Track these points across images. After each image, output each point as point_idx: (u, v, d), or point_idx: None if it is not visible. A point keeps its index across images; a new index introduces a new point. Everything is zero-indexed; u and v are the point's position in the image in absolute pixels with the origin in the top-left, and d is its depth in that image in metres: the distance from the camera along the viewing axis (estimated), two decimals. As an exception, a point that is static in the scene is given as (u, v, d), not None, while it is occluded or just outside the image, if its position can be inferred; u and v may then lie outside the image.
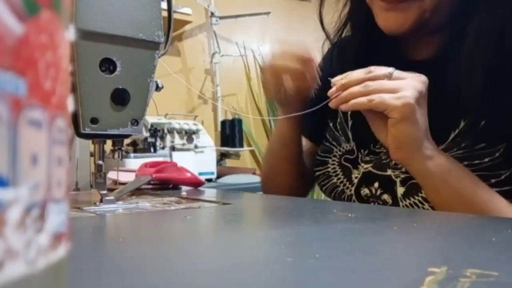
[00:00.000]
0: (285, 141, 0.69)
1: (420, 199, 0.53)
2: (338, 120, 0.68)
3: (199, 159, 1.39)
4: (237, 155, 1.82)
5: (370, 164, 0.60)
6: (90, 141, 0.65)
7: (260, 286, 0.19)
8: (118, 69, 0.45)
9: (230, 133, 1.78)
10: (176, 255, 0.26)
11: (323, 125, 0.71)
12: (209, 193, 0.64)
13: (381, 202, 0.58)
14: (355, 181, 0.61)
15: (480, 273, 0.20)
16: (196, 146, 1.40)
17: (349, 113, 0.66)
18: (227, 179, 1.47)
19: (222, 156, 1.82)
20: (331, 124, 0.69)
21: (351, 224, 0.35)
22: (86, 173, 0.73)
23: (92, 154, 0.71)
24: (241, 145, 1.80)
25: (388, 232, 0.33)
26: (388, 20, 0.55)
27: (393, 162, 0.57)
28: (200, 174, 0.76)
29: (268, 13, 2.11)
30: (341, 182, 0.63)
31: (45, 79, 0.11)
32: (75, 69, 0.43)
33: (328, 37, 0.74)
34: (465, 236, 0.32)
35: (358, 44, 0.66)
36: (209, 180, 1.40)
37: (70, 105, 0.13)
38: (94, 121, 0.45)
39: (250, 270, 0.22)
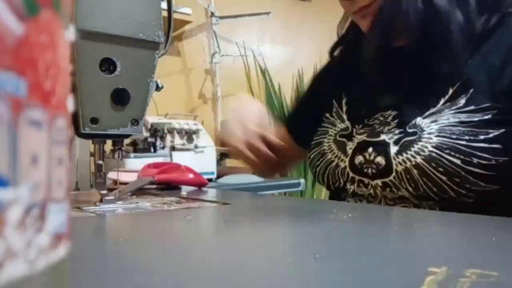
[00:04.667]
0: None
1: (412, 153, 0.55)
2: (334, 109, 0.71)
3: (199, 159, 1.39)
4: (237, 155, 1.82)
5: (364, 135, 0.62)
6: (90, 141, 0.65)
7: (260, 286, 0.19)
8: (118, 69, 0.45)
9: (230, 133, 1.78)
10: (176, 255, 0.26)
11: (311, 129, 0.73)
12: (209, 193, 0.64)
13: (374, 166, 0.59)
14: (350, 151, 0.63)
15: (480, 273, 0.20)
16: (196, 146, 1.40)
17: (344, 100, 0.70)
18: (227, 179, 1.47)
19: (222, 156, 1.81)
20: (327, 114, 0.71)
21: (351, 224, 0.35)
22: (86, 173, 0.73)
23: (92, 154, 0.71)
24: (241, 145, 1.79)
25: (388, 232, 0.33)
26: (365, 24, 0.62)
27: (386, 128, 0.60)
28: (200, 174, 0.76)
29: (268, 13, 2.11)
30: (336, 156, 0.64)
31: (45, 79, 0.11)
32: (75, 69, 0.43)
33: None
34: (465, 236, 0.32)
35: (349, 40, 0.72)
36: (209, 180, 1.39)
37: (70, 105, 0.13)
38: (94, 121, 0.45)
39: (250, 270, 0.22)
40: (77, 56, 0.43)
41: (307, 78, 2.49)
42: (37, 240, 0.10)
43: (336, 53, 0.79)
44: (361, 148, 0.61)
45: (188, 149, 1.39)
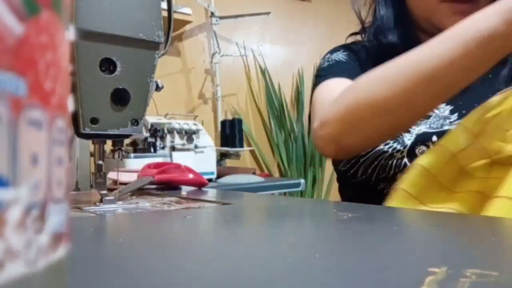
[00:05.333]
0: (495, 43, 0.48)
1: None
2: None
3: (199, 159, 1.39)
4: (237, 155, 1.82)
5: (424, 126, 0.63)
6: (90, 141, 0.65)
7: (260, 286, 0.19)
8: (118, 69, 0.45)
9: (230, 133, 1.78)
10: (176, 255, 0.26)
11: None
12: (209, 193, 0.64)
13: None
14: (408, 142, 0.62)
15: (480, 273, 0.20)
16: (196, 146, 1.40)
17: None
18: (227, 179, 1.47)
19: (222, 156, 1.82)
20: None
21: (351, 224, 0.35)
22: (86, 173, 0.73)
23: (92, 154, 0.71)
24: (241, 145, 1.80)
25: (388, 232, 0.33)
26: (456, 22, 0.53)
27: (448, 121, 0.60)
28: (200, 174, 0.76)
29: (268, 13, 2.11)
30: (390, 147, 0.64)
31: (45, 79, 0.11)
32: (75, 69, 0.43)
33: (362, 22, 0.76)
34: (465, 236, 0.32)
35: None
36: (209, 180, 1.40)
37: (70, 105, 0.13)
38: (94, 121, 0.45)
39: (250, 270, 0.22)
40: (77, 56, 0.43)
41: (307, 78, 2.50)
42: (37, 240, 0.11)
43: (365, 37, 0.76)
44: (422, 138, 0.61)
45: (188, 149, 1.39)
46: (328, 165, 2.29)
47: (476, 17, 0.50)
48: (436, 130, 0.62)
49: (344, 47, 0.77)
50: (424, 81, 0.51)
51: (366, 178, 0.65)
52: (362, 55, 0.74)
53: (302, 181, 1.63)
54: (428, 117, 0.63)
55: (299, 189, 1.62)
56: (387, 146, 0.64)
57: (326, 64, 0.74)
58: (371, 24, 0.76)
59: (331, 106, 0.60)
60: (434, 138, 0.61)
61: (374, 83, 0.55)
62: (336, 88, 0.62)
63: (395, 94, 0.53)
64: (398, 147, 0.63)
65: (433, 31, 0.61)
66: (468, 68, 0.49)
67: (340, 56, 0.74)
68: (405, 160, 0.62)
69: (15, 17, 0.10)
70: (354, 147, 0.61)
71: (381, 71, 0.55)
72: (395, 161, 0.62)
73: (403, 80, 0.52)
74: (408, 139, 0.63)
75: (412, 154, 0.62)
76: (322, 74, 0.71)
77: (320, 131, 0.61)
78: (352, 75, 0.64)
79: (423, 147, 0.61)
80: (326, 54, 0.78)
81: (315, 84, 0.71)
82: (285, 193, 1.66)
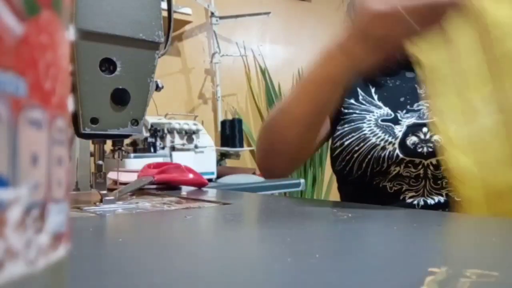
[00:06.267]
0: (330, 81, 0.55)
1: None
2: (360, 97, 0.71)
3: (199, 159, 1.40)
4: (237, 155, 1.82)
5: (413, 118, 0.64)
6: (90, 141, 0.65)
7: (260, 286, 0.19)
8: (118, 69, 0.45)
9: (230, 133, 1.78)
10: (176, 255, 0.26)
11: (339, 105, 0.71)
12: (209, 193, 0.64)
13: (430, 145, 0.60)
14: (399, 134, 0.64)
15: (480, 273, 0.20)
16: (196, 146, 1.40)
17: (372, 89, 0.71)
18: (227, 179, 1.47)
19: (222, 156, 1.82)
20: (352, 100, 0.71)
21: (351, 224, 0.35)
22: (86, 173, 0.73)
23: (92, 154, 0.71)
24: (241, 145, 1.80)
25: (388, 232, 0.33)
26: None
27: None
28: (200, 174, 0.76)
29: (268, 13, 2.11)
30: (382, 139, 0.65)
31: (45, 79, 0.11)
32: (75, 69, 0.43)
33: None
34: (465, 236, 0.32)
35: None
36: (209, 180, 1.40)
37: (70, 105, 0.13)
38: (94, 121, 0.45)
39: (250, 270, 0.22)
40: (77, 56, 0.43)
41: (307, 78, 2.49)
42: (37, 240, 0.11)
43: None
44: (413, 129, 0.63)
45: (188, 149, 1.39)
46: (328, 165, 2.29)
47: (313, 63, 0.57)
48: (426, 121, 0.63)
49: None
50: (284, 114, 0.61)
51: (362, 173, 0.66)
52: None
53: (302, 181, 1.63)
54: (417, 110, 0.64)
55: (299, 189, 1.62)
56: (379, 139, 0.65)
57: None
58: None
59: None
60: (425, 129, 0.62)
61: (273, 112, 0.65)
62: None
63: (281, 120, 0.63)
64: (390, 139, 0.64)
65: None
66: (310, 108, 0.58)
67: None
68: (397, 151, 0.63)
69: (15, 17, 0.10)
70: (277, 168, 0.68)
71: (277, 105, 0.65)
72: (387, 153, 0.63)
73: (275, 114, 0.63)
74: (399, 130, 0.64)
75: (403, 145, 0.63)
76: None
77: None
78: None
79: (414, 138, 0.62)
80: None
81: None
82: (285, 193, 1.66)
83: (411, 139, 0.62)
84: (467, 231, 0.34)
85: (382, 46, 0.50)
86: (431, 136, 0.61)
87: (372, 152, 0.64)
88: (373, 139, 0.65)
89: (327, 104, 0.58)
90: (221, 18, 2.07)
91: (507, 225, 0.36)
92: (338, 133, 0.69)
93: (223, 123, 1.83)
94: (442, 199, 0.60)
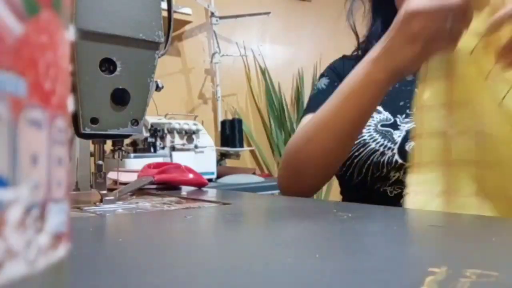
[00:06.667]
0: (376, 93, 0.56)
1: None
2: None
3: (199, 159, 1.40)
4: (237, 155, 1.82)
5: (412, 123, 0.63)
6: (90, 141, 0.65)
7: (260, 286, 0.19)
8: (118, 69, 0.45)
9: (230, 133, 1.78)
10: (176, 255, 0.26)
11: None
12: (209, 193, 0.64)
13: None
14: (398, 139, 0.64)
15: (480, 273, 0.20)
16: (196, 146, 1.40)
17: None
18: (227, 179, 1.47)
19: (222, 156, 1.82)
20: None
21: (351, 224, 0.35)
22: (86, 173, 0.73)
23: (92, 154, 0.71)
24: (241, 145, 1.80)
25: (388, 232, 0.33)
26: None
27: None
28: (200, 174, 0.75)
29: (268, 13, 2.11)
30: (381, 145, 0.65)
31: (45, 79, 0.11)
32: (75, 69, 0.43)
33: (357, 37, 0.78)
34: (465, 236, 0.32)
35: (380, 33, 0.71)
36: (209, 180, 1.40)
37: (70, 105, 0.13)
38: (94, 121, 0.45)
39: (250, 270, 0.22)
40: (77, 56, 0.43)
41: (307, 78, 2.50)
42: (37, 240, 0.11)
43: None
44: (412, 134, 0.62)
45: (188, 149, 1.39)
46: (328, 165, 2.28)
47: (354, 70, 0.57)
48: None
49: (331, 69, 0.80)
50: (324, 132, 0.60)
51: (362, 178, 0.66)
52: (348, 70, 0.77)
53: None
54: None
55: (299, 189, 1.61)
56: (378, 145, 0.65)
57: (313, 92, 0.79)
58: (364, 38, 0.78)
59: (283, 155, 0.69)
60: None
61: (300, 134, 0.65)
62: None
63: (312, 138, 0.62)
64: (389, 144, 0.64)
65: None
66: (352, 115, 0.57)
67: (323, 83, 0.78)
68: (396, 157, 0.63)
69: (15, 17, 0.10)
70: (301, 191, 0.66)
71: (307, 125, 0.64)
72: (386, 158, 0.63)
73: (315, 132, 0.62)
74: (398, 135, 0.64)
75: (402, 150, 0.63)
76: (307, 106, 0.77)
77: (279, 174, 0.71)
78: None
79: (413, 143, 0.61)
80: (322, 73, 0.82)
81: (303, 113, 0.76)
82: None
83: (410, 145, 0.62)
84: (467, 231, 0.34)
85: (428, 46, 0.50)
86: None
87: (371, 158, 0.64)
88: (373, 145, 0.66)
89: (369, 112, 0.58)
90: (221, 18, 2.07)
91: (507, 225, 0.36)
92: None
93: (223, 123, 1.83)
94: None
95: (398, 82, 0.59)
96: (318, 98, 0.75)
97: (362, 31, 0.80)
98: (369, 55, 0.56)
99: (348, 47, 0.83)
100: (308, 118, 0.71)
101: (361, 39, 0.78)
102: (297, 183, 0.66)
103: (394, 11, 0.72)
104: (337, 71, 0.79)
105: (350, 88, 0.57)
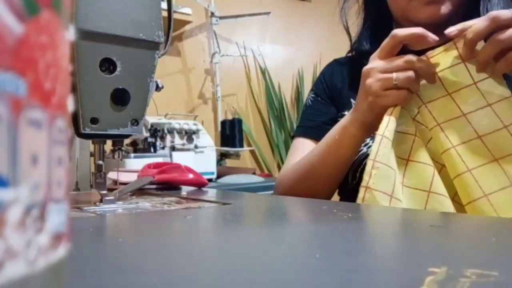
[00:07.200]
0: (350, 143, 0.65)
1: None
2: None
3: (199, 159, 1.39)
4: (237, 155, 1.82)
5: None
6: (90, 141, 0.65)
7: (260, 286, 0.19)
8: (118, 69, 0.45)
9: (230, 133, 1.78)
10: (176, 255, 0.26)
11: (326, 124, 0.76)
12: (209, 193, 0.64)
13: None
14: None
15: (480, 273, 0.20)
16: (196, 146, 1.40)
17: None
18: (227, 179, 1.47)
19: (222, 156, 1.82)
20: (345, 112, 0.73)
21: (351, 224, 0.35)
22: (86, 173, 0.73)
23: (92, 154, 0.71)
24: (241, 145, 1.80)
25: (388, 232, 0.33)
26: (430, 12, 0.65)
27: None
28: (200, 174, 0.75)
29: (268, 13, 2.11)
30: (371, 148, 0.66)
31: (45, 79, 0.11)
32: (75, 69, 0.43)
33: (350, 38, 0.78)
34: (465, 236, 0.32)
35: (370, 35, 0.75)
36: (209, 180, 1.40)
37: (70, 105, 0.13)
38: (94, 121, 0.45)
39: (250, 270, 0.22)
40: (77, 56, 0.43)
41: (307, 78, 2.49)
42: (37, 240, 0.11)
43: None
44: None
45: (188, 149, 1.39)
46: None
47: (338, 123, 0.67)
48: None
49: (319, 80, 0.84)
50: (312, 173, 0.69)
51: (357, 183, 0.67)
52: (338, 76, 0.81)
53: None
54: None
55: (299, 189, 1.61)
56: (366, 147, 0.67)
57: (303, 107, 0.86)
58: (356, 39, 0.79)
59: (278, 181, 0.79)
60: None
61: (292, 172, 0.74)
62: (296, 153, 0.78)
63: (302, 180, 0.71)
64: None
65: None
66: (334, 162, 0.67)
67: (310, 98, 0.84)
68: None
69: (15, 17, 0.10)
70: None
71: (296, 166, 0.74)
72: None
73: (304, 174, 0.71)
74: None
75: None
76: (298, 123, 0.85)
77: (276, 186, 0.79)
78: (315, 131, 0.78)
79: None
80: (313, 85, 0.87)
81: (295, 132, 0.84)
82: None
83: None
84: (467, 231, 0.34)
85: (377, 100, 0.58)
86: None
87: (364, 162, 0.65)
88: (364, 149, 0.67)
89: (349, 158, 0.66)
90: (221, 18, 2.07)
91: (507, 225, 0.36)
92: None
93: (223, 123, 1.83)
94: None
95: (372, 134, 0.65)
96: (306, 113, 0.83)
97: (356, 30, 0.80)
98: (340, 126, 0.66)
99: (348, 47, 0.83)
100: (299, 142, 0.80)
101: (353, 39, 0.79)
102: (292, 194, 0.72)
103: (386, 9, 0.73)
104: (324, 81, 0.83)
105: (332, 138, 0.66)
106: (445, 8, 0.65)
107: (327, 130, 0.73)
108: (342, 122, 0.65)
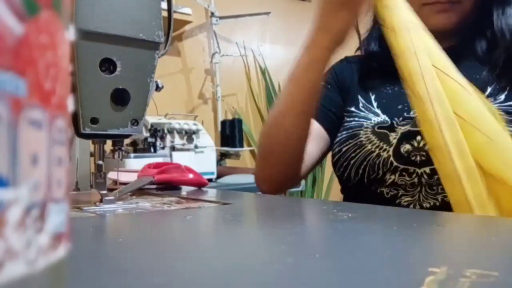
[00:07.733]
0: (313, 65, 0.65)
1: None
2: (361, 104, 0.72)
3: (199, 159, 1.39)
4: (237, 155, 1.82)
5: (408, 125, 0.65)
6: (90, 141, 0.65)
7: (260, 286, 0.19)
8: (118, 69, 0.45)
9: (230, 133, 1.78)
10: (176, 255, 0.26)
11: (336, 115, 0.76)
12: (209, 193, 0.64)
13: (423, 154, 0.61)
14: (394, 141, 0.64)
15: (480, 273, 0.20)
16: (196, 146, 1.40)
17: (372, 96, 0.72)
18: (227, 179, 1.47)
19: (222, 156, 1.81)
20: (352, 108, 0.73)
21: (351, 224, 0.35)
22: (86, 173, 0.73)
23: (92, 154, 0.71)
24: (241, 145, 1.80)
25: (388, 232, 0.33)
26: (441, 20, 0.67)
27: None
28: (200, 174, 0.75)
29: (268, 13, 2.11)
30: (377, 146, 0.65)
31: (45, 79, 0.11)
32: (75, 69, 0.43)
33: (359, 36, 0.80)
34: (465, 236, 0.32)
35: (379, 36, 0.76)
36: (209, 180, 1.40)
37: (70, 105, 0.13)
38: (94, 121, 0.45)
39: (250, 270, 0.22)
40: (77, 56, 0.43)
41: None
42: (37, 240, 0.11)
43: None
44: (407, 137, 0.63)
45: (188, 149, 1.39)
46: (328, 165, 2.29)
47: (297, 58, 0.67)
48: (420, 129, 0.63)
49: (327, 73, 0.83)
50: (284, 113, 0.67)
51: (359, 180, 0.67)
52: (348, 72, 0.80)
53: (301, 181, 1.63)
54: (413, 117, 0.65)
55: (299, 189, 1.62)
56: (374, 146, 0.66)
57: None
58: (364, 38, 0.80)
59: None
60: (418, 137, 0.62)
61: (265, 124, 0.72)
62: None
63: (275, 124, 0.69)
64: (384, 146, 0.65)
65: None
66: (303, 93, 0.65)
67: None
68: (391, 159, 0.63)
69: (15, 17, 0.10)
70: (274, 180, 0.71)
71: (270, 112, 0.72)
72: (382, 160, 0.64)
73: (276, 117, 0.69)
74: (394, 137, 0.65)
75: (397, 153, 0.63)
76: None
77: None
78: (321, 115, 0.75)
79: (408, 146, 0.62)
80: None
81: None
82: (285, 193, 1.66)
83: (405, 147, 0.63)
84: (467, 231, 0.34)
85: (347, 10, 0.60)
86: (424, 145, 0.61)
87: (367, 159, 0.65)
88: (369, 146, 0.67)
89: (317, 87, 0.66)
90: (221, 18, 2.07)
91: (507, 225, 0.36)
92: (338, 139, 0.71)
93: (223, 123, 1.83)
94: (437, 202, 0.61)
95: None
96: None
97: (364, 29, 0.80)
98: (307, 39, 0.67)
99: (348, 47, 0.83)
100: None
101: (362, 37, 0.79)
102: (267, 169, 0.71)
103: None
104: (334, 73, 0.81)
105: (298, 70, 0.66)
106: (455, 17, 0.67)
107: (332, 116, 0.72)
108: (304, 53, 0.67)
